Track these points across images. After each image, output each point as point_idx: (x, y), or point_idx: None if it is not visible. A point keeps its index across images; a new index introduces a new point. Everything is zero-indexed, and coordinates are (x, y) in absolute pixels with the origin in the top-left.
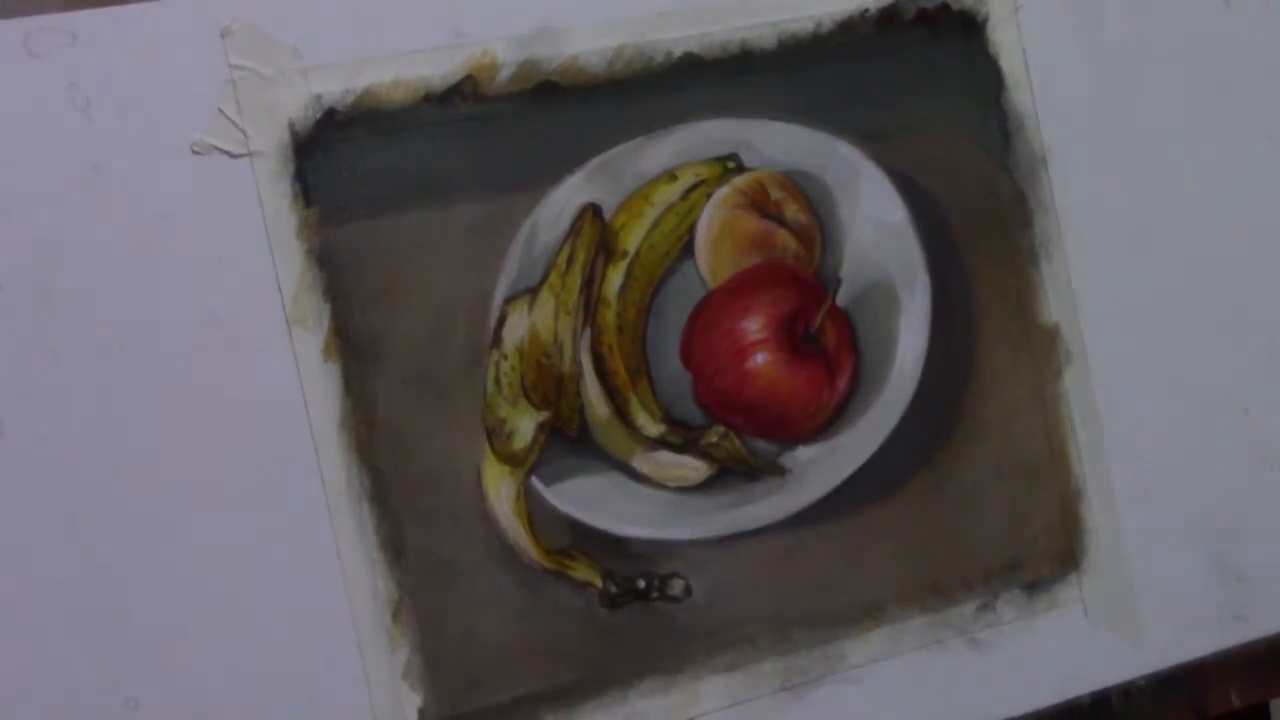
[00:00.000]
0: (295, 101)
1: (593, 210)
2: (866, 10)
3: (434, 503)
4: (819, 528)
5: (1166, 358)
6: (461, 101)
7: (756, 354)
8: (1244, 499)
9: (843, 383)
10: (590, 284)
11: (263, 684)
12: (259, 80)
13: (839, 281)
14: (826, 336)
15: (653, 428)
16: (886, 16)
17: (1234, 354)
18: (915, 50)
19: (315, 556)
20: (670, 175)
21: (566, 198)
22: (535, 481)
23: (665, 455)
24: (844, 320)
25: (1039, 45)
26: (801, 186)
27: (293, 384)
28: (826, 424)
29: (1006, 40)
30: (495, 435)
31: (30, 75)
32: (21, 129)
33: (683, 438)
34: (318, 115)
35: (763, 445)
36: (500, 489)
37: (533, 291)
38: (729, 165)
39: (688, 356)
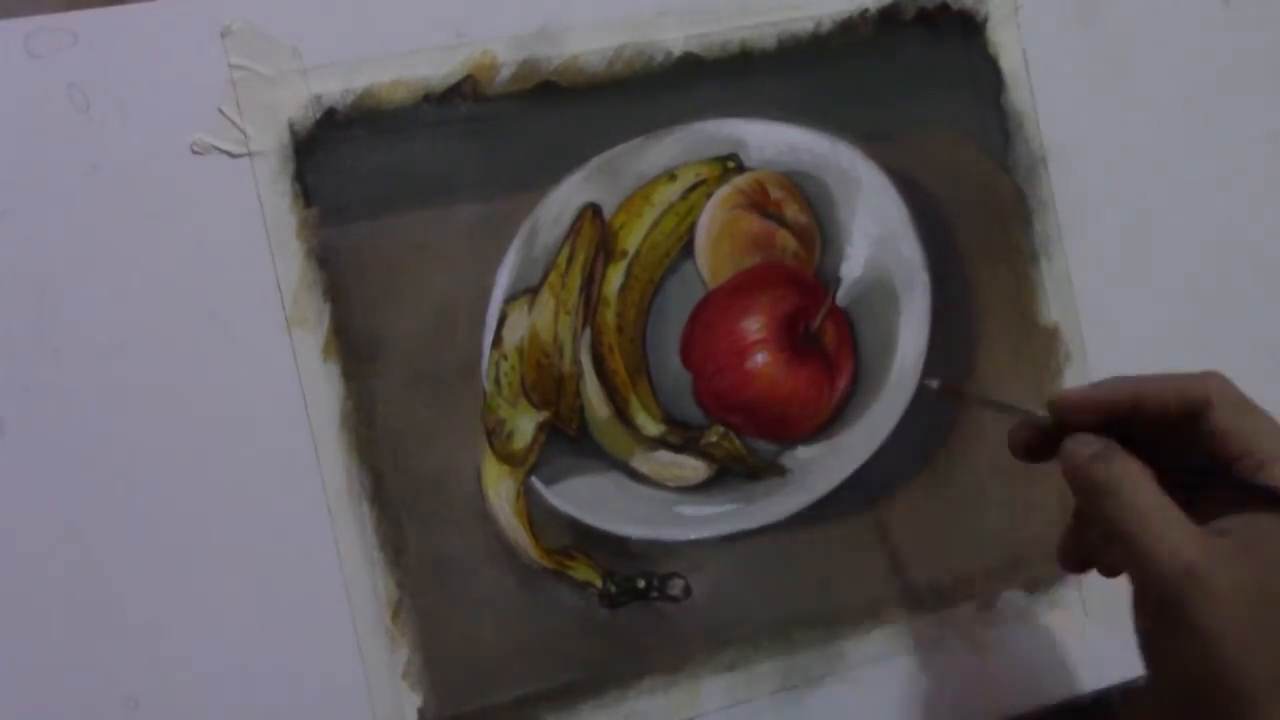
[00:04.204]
0: (295, 101)
1: (593, 210)
2: (866, 10)
3: (434, 503)
4: (819, 528)
5: (1166, 357)
6: (461, 101)
7: (756, 354)
8: None
9: (843, 383)
10: (590, 284)
11: (263, 684)
12: (259, 80)
13: (839, 281)
14: (826, 336)
15: (653, 428)
16: (886, 16)
17: (1234, 354)
18: (915, 50)
19: (315, 556)
20: (670, 175)
21: (566, 198)
22: (535, 481)
23: (665, 455)
24: (844, 320)
25: (1039, 45)
26: (801, 186)
27: (293, 384)
28: (826, 424)
29: (1006, 40)
30: (495, 435)
31: (30, 75)
32: (21, 129)
33: (683, 438)
34: (318, 115)
35: (763, 445)
36: (500, 489)
37: (533, 291)
38: (729, 165)
39: (688, 356)
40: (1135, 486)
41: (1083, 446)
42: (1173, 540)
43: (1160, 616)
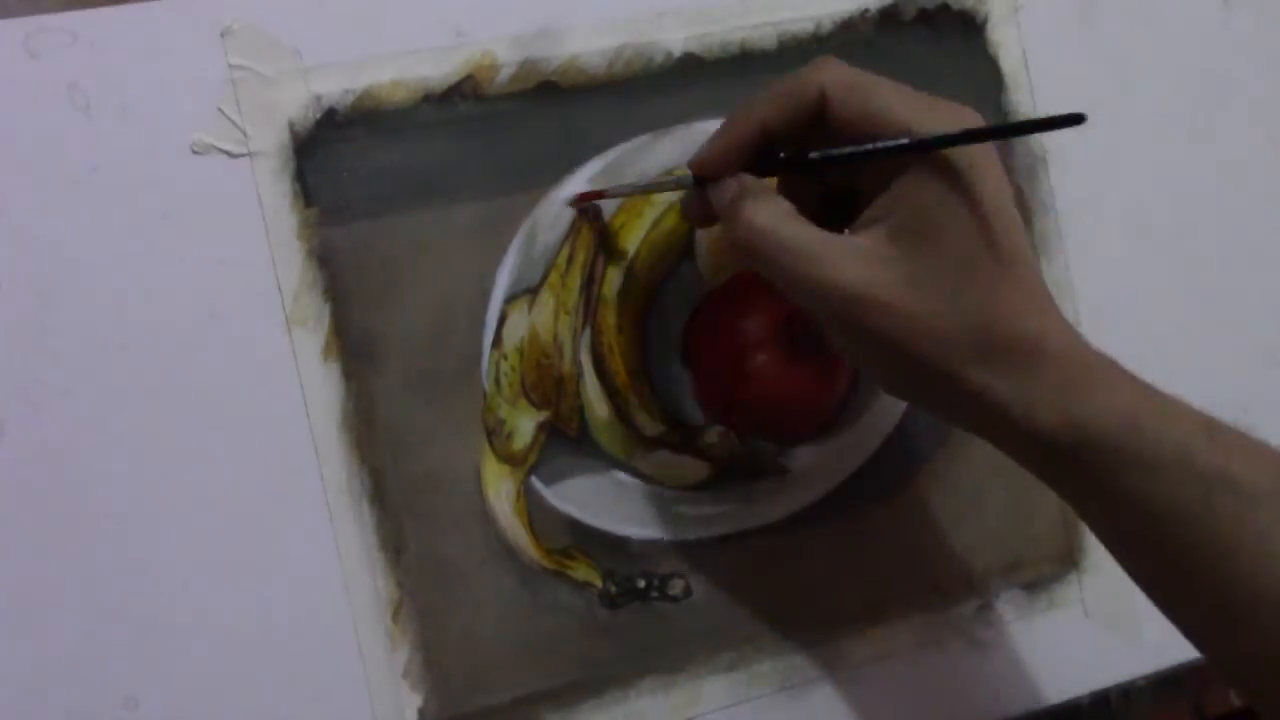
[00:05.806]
0: (295, 101)
1: (593, 210)
2: (866, 10)
3: (434, 503)
4: (819, 528)
5: (1166, 358)
6: (461, 101)
7: (756, 354)
8: None
9: (843, 383)
10: (590, 284)
11: (263, 684)
12: (259, 80)
13: None
14: (826, 336)
15: (653, 428)
16: (886, 16)
17: (1234, 354)
18: (915, 50)
19: (315, 556)
20: (671, 175)
21: (567, 198)
22: (535, 481)
23: (665, 455)
24: None
25: (1039, 45)
26: None
27: (293, 384)
28: (826, 424)
29: (1006, 40)
30: (495, 435)
31: (30, 75)
32: (21, 129)
33: (683, 438)
34: (318, 115)
35: (763, 445)
36: (500, 489)
37: (533, 291)
38: None
39: (687, 356)
40: (771, 225)
41: (723, 191)
42: (830, 267)
43: (846, 334)
